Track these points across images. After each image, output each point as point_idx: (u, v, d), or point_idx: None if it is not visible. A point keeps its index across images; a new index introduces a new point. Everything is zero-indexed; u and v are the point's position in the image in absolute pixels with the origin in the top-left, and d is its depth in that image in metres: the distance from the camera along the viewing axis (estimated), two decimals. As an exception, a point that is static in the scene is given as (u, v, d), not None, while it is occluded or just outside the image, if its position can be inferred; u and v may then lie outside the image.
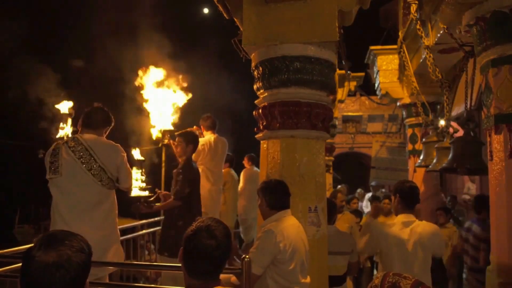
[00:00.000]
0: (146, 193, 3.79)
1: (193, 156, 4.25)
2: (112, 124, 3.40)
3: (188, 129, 4.46)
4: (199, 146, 4.56)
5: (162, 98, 4.99)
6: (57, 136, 3.91)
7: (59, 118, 4.03)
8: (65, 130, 4.03)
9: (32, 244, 1.25)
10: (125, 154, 3.26)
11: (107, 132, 3.38)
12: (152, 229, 5.43)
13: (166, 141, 4.76)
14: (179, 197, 3.90)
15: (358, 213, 6.37)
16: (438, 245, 3.16)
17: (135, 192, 3.65)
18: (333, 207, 3.83)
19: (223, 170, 5.44)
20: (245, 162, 7.19)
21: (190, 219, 3.95)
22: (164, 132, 4.82)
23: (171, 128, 4.94)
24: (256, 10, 2.93)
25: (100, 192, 3.11)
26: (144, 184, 3.79)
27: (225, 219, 4.96)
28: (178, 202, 3.91)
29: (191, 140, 4.14)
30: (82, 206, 3.04)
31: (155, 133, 5.01)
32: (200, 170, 4.42)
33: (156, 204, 3.98)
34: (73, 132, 3.90)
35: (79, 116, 3.36)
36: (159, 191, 4.21)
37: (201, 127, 5.22)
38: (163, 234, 4.10)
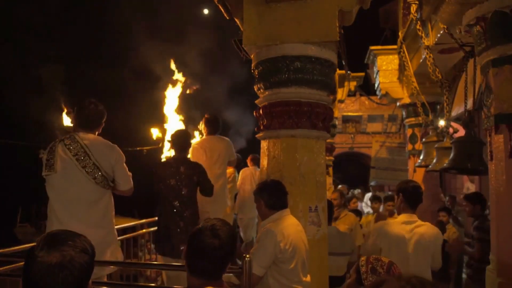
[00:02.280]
0: None
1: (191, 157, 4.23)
2: (105, 118, 3.29)
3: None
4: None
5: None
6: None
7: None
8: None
9: (35, 244, 1.24)
10: (123, 156, 3.19)
11: (102, 126, 3.28)
12: (152, 229, 5.41)
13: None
14: (212, 192, 4.00)
15: (358, 212, 6.36)
16: (437, 248, 3.07)
17: None
18: (330, 207, 3.82)
19: (227, 170, 5.30)
20: (248, 162, 7.11)
21: (195, 216, 3.95)
22: None
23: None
24: (256, 10, 2.93)
25: (95, 190, 3.06)
26: None
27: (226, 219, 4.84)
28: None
29: (172, 138, 4.16)
30: (76, 204, 2.99)
31: (155, 133, 4.96)
32: None
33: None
34: (69, 129, 3.79)
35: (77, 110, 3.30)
36: None
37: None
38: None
